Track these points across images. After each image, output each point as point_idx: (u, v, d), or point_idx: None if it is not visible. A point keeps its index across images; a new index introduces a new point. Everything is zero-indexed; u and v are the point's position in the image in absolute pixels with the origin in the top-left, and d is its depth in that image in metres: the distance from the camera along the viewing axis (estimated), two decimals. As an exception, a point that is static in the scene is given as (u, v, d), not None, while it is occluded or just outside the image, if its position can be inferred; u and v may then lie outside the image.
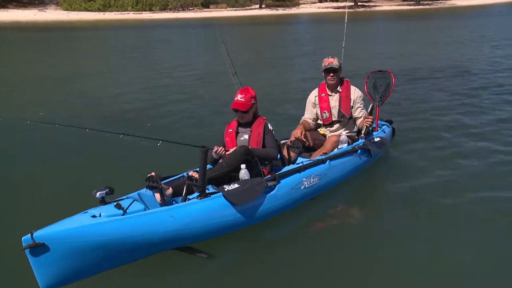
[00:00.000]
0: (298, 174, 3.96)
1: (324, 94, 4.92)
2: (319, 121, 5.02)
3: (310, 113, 5.01)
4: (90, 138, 6.04)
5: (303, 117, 5.06)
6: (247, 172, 3.67)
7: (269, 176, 3.83)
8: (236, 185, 3.50)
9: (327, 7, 51.33)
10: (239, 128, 4.10)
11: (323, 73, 4.87)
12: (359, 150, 4.64)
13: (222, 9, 49.59)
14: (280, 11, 48.18)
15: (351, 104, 4.83)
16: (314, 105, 4.97)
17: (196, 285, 3.16)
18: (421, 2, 53.79)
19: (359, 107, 4.87)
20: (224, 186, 3.48)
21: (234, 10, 47.92)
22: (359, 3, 51.88)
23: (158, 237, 3.17)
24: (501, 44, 16.50)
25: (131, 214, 3.19)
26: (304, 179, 3.98)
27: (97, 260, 2.96)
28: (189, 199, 3.46)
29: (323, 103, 4.90)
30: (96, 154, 5.66)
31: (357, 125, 4.91)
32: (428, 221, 3.88)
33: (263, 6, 50.87)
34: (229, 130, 4.08)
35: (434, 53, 14.68)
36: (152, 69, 13.60)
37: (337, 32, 26.61)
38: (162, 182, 3.59)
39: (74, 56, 17.72)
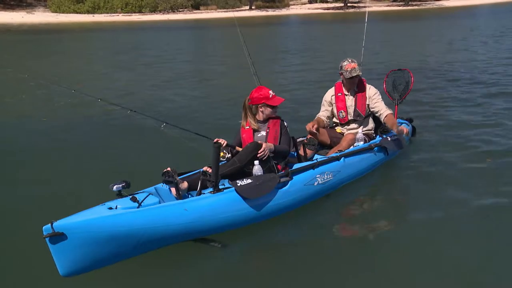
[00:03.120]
0: (311, 170, 4.10)
1: (340, 94, 5.00)
2: (335, 119, 5.15)
3: (325, 111, 5.14)
4: (109, 134, 6.66)
5: (318, 115, 5.18)
6: (261, 168, 3.82)
7: (282, 172, 3.96)
8: (249, 180, 3.64)
9: (317, 8, 51.58)
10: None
11: (341, 76, 4.90)
12: (376, 148, 4.75)
13: (212, 11, 49.62)
14: (270, 12, 48.32)
15: (367, 102, 4.93)
16: (330, 104, 5.08)
17: (209, 274, 3.29)
18: (410, 2, 54.25)
19: (377, 102, 4.91)
20: (237, 181, 3.63)
21: (224, 11, 47.96)
22: (348, 4, 52.20)
23: (171, 230, 3.33)
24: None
25: (146, 207, 3.28)
26: (317, 176, 4.11)
27: (113, 249, 3.12)
28: (204, 193, 3.55)
29: (340, 102, 4.99)
30: (116, 150, 6.00)
31: (383, 122, 4.93)
32: (446, 224, 3.84)
33: (253, 7, 50.96)
34: (246, 127, 4.19)
35: (437, 52, 14.94)
36: (163, 68, 13.95)
37: (330, 32, 26.90)
38: (179, 177, 3.74)
39: (78, 58, 17.75)
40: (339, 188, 4.43)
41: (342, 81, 4.97)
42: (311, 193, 4.10)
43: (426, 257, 3.37)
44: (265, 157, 3.85)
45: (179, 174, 3.79)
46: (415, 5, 54.07)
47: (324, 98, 5.14)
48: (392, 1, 56.90)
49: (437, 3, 55.08)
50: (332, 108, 5.07)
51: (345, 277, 3.19)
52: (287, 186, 3.87)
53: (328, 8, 51.47)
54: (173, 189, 3.64)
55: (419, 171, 4.93)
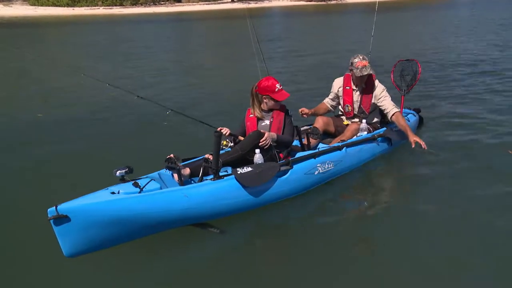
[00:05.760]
0: (312, 159, 4.18)
1: (348, 88, 5.00)
2: (341, 108, 5.20)
3: (331, 99, 5.20)
4: (112, 121, 6.85)
5: (325, 99, 5.26)
6: (261, 156, 3.92)
7: (283, 161, 4.05)
8: (249, 169, 3.73)
9: (299, 0, 51.64)
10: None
11: (351, 71, 4.86)
12: (379, 138, 4.80)
13: (194, 3, 49.27)
14: (253, 5, 48.21)
15: (373, 101, 4.93)
16: (337, 96, 5.13)
17: (207, 259, 3.41)
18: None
19: (384, 100, 4.86)
20: (238, 169, 3.73)
21: (207, 4, 47.75)
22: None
23: (171, 215, 3.45)
24: None
25: (147, 192, 3.39)
26: (318, 165, 4.20)
27: (114, 232, 3.25)
28: (206, 179, 3.70)
29: (347, 96, 5.01)
30: (120, 135, 6.20)
31: (390, 120, 4.90)
32: (445, 214, 3.84)
33: (235, 0, 50.77)
34: (250, 115, 4.28)
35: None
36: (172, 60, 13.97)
37: (315, 24, 26.90)
38: (182, 163, 3.86)
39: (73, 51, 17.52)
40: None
41: (352, 74, 4.91)
42: (311, 182, 4.19)
43: (424, 242, 3.43)
44: (266, 146, 3.94)
45: (183, 160, 3.90)
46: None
47: (333, 85, 5.16)
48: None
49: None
50: (340, 100, 5.12)
51: (343, 261, 3.27)
52: (287, 175, 3.96)
53: (310, 0, 51.56)
54: (175, 175, 3.75)
55: (424, 161, 4.91)
